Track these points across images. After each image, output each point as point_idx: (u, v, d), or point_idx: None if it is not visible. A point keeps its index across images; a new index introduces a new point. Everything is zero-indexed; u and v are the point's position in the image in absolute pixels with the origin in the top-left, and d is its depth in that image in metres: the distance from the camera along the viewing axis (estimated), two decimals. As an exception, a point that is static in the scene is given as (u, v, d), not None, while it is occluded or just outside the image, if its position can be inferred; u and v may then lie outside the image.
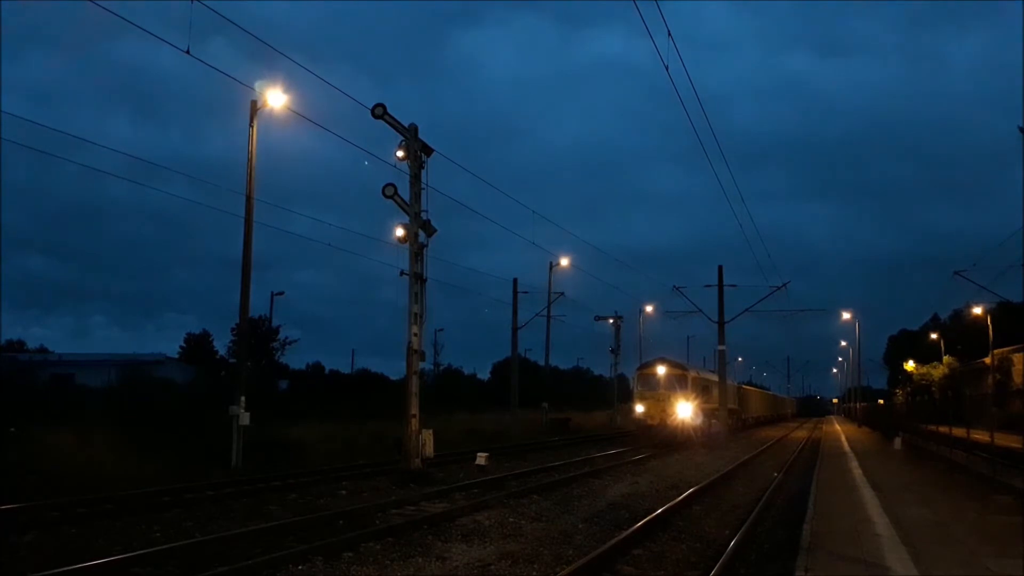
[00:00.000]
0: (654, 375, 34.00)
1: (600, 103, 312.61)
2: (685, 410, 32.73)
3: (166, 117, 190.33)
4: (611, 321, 53.63)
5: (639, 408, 33.92)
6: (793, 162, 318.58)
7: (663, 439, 31.62)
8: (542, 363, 53.19)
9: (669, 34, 14.46)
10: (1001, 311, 47.20)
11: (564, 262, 42.85)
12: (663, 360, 34.83)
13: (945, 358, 55.36)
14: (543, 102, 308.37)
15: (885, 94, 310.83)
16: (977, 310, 43.92)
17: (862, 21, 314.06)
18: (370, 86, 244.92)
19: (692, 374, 34.82)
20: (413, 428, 18.04)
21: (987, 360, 44.13)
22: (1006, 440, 20.40)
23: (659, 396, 33.30)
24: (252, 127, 20.46)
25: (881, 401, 70.82)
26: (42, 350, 66.58)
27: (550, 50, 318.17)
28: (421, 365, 18.78)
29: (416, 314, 18.31)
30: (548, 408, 45.47)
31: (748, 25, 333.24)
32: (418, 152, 18.60)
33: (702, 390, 35.49)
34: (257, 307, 47.75)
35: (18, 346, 66.58)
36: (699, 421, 33.74)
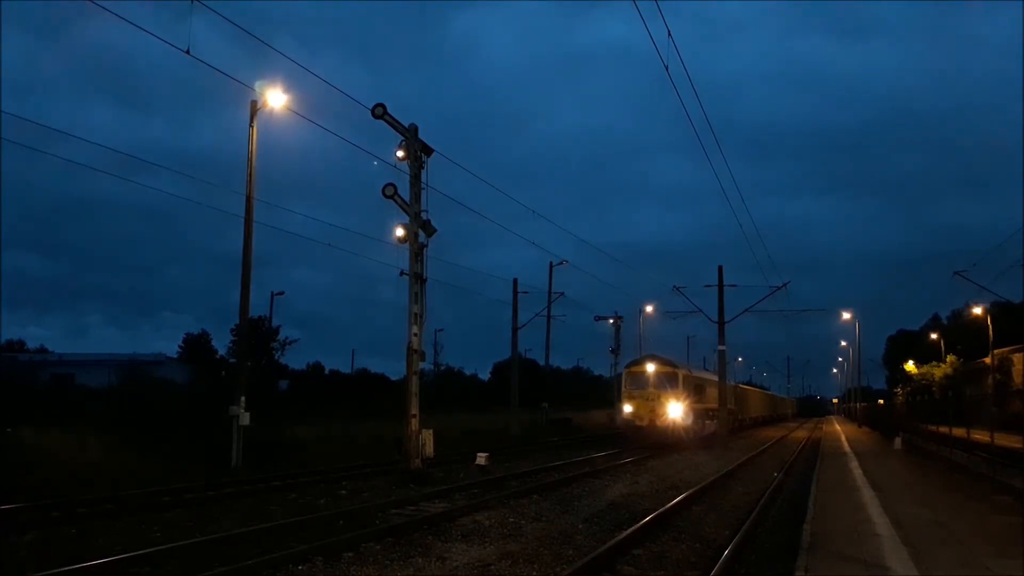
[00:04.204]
0: (643, 373, 32.22)
1: (603, 90, 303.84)
2: (676, 410, 31.13)
3: (152, 107, 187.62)
4: (611, 321, 53.61)
5: (627, 408, 32.08)
6: (804, 154, 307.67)
7: (652, 441, 30.24)
8: (542, 363, 53.30)
9: (669, 34, 14.41)
10: (1001, 311, 47.22)
11: (564, 264, 42.88)
12: (652, 357, 33.14)
13: (949, 357, 55.36)
14: (544, 89, 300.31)
15: (905, 80, 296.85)
16: (977, 310, 43.93)
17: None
18: (362, 71, 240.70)
19: (683, 372, 33.12)
20: (413, 428, 18.04)
21: (987, 360, 44.13)
22: (1006, 440, 20.40)
23: (648, 395, 31.61)
24: (252, 127, 20.45)
25: (881, 401, 70.81)
26: (42, 350, 66.69)
27: (551, 34, 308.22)
28: (421, 365, 18.78)
29: (416, 314, 18.30)
30: (548, 408, 45.47)
31: (760, 5, 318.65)
32: (418, 152, 18.60)
33: (695, 389, 33.87)
34: (256, 307, 47.76)
35: (18, 346, 66.69)
36: (690, 421, 32.19)
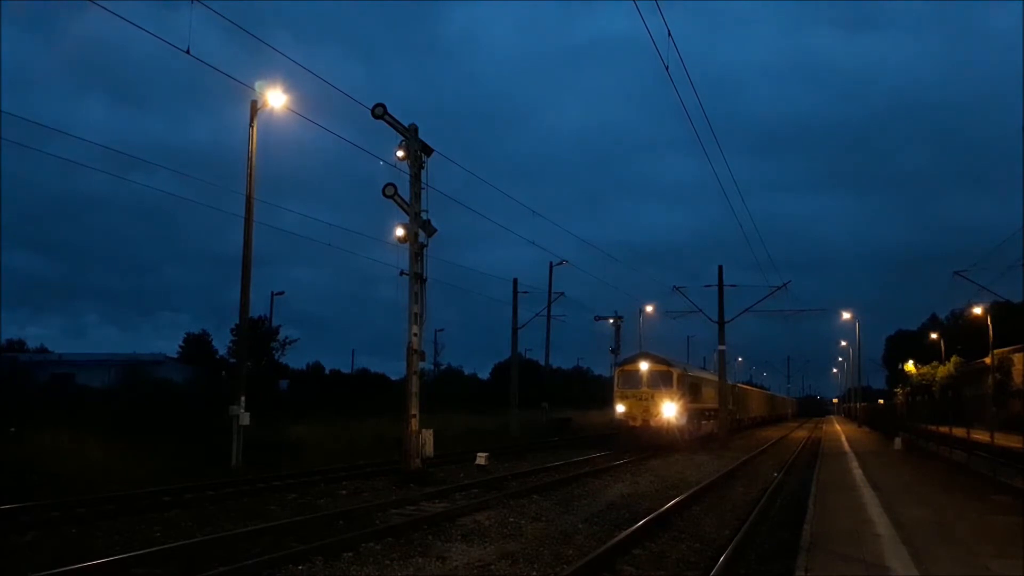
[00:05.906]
0: (636, 371, 30.99)
1: (604, 84, 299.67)
2: (670, 410, 30.07)
3: (148, 104, 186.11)
4: (611, 321, 53.56)
5: (620, 408, 30.89)
6: (809, 149, 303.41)
7: (645, 441, 29.34)
8: (542, 363, 53.24)
9: (669, 33, 14.42)
10: (1001, 311, 47.17)
11: (564, 264, 42.88)
12: (646, 355, 32.03)
13: (953, 358, 55.34)
14: (543, 83, 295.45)
15: (913, 74, 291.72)
16: (977, 310, 43.90)
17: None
18: (360, 67, 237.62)
19: (678, 371, 31.83)
20: (413, 428, 18.04)
21: (987, 360, 44.11)
22: (1006, 440, 20.39)
23: (641, 394, 30.47)
24: (252, 127, 20.44)
25: (881, 401, 70.79)
26: (42, 350, 66.70)
27: (551, 29, 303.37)
28: (421, 365, 18.78)
29: (416, 314, 18.31)
30: (548, 408, 45.45)
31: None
32: (418, 152, 18.61)
33: (690, 388, 32.95)
34: (256, 306, 47.68)
35: (18, 346, 66.69)
36: (685, 421, 31.33)
